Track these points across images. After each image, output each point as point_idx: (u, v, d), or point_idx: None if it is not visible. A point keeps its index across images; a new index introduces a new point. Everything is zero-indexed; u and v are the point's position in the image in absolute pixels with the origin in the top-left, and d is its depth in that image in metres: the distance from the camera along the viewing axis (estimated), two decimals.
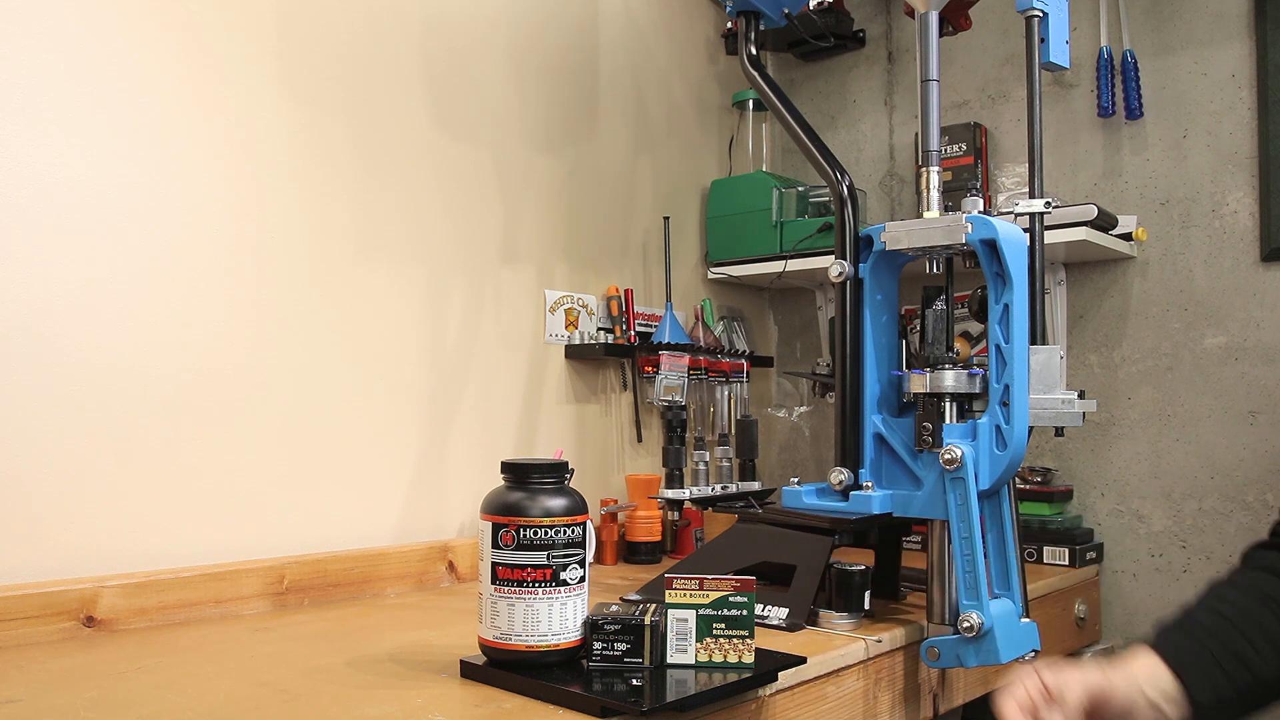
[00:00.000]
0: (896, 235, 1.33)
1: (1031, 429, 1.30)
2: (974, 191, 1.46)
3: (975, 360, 1.47)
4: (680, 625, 1.03)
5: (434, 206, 1.71)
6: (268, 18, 1.50)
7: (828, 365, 2.08)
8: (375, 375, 1.61)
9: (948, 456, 1.22)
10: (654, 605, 1.07)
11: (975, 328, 1.94)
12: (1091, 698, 0.96)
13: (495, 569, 1.00)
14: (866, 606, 1.31)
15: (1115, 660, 1.01)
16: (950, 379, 1.29)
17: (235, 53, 1.46)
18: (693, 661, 1.03)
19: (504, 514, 1.01)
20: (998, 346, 1.24)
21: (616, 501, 1.89)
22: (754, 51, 1.57)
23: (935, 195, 1.32)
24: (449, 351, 1.72)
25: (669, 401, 1.71)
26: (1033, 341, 1.35)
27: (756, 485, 1.71)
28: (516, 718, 0.91)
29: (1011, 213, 1.47)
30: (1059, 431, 1.49)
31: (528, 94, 1.87)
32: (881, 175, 2.26)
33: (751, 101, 2.23)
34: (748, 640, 1.03)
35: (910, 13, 1.52)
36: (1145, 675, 0.97)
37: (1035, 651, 1.27)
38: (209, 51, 1.43)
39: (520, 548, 0.99)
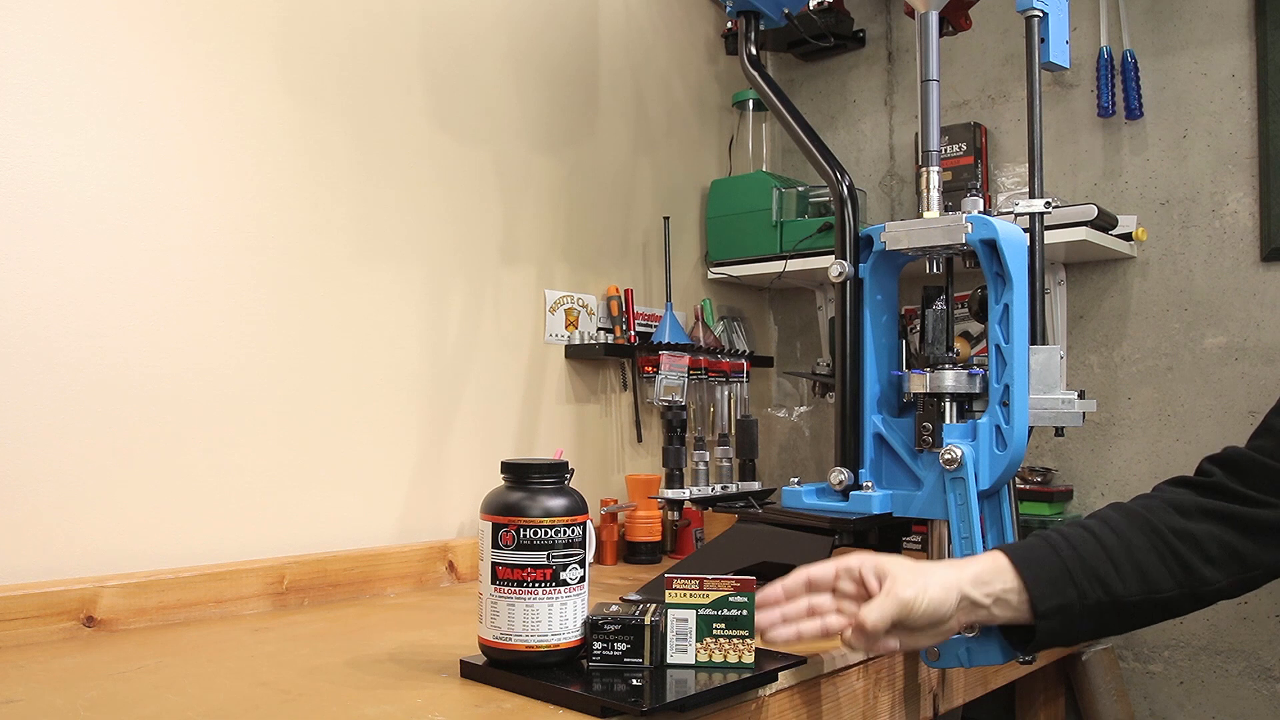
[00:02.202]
0: (896, 235, 1.33)
1: (1031, 429, 1.30)
2: (974, 191, 1.46)
3: (975, 360, 1.47)
4: (680, 625, 1.03)
5: (434, 206, 1.71)
6: (268, 17, 1.50)
7: (828, 365, 2.08)
8: (375, 375, 1.61)
9: (948, 456, 1.22)
10: (654, 605, 1.07)
11: (975, 328, 1.94)
12: (891, 617, 0.96)
13: (495, 569, 1.00)
14: None
15: (944, 563, 1.03)
16: (950, 379, 1.29)
17: (236, 53, 1.46)
18: (693, 661, 1.03)
19: (504, 514, 1.01)
20: (998, 346, 1.24)
21: (616, 501, 1.89)
22: (754, 51, 1.57)
23: (935, 195, 1.32)
24: (449, 351, 1.72)
25: (669, 401, 1.71)
26: (1033, 341, 1.35)
27: (756, 485, 1.71)
28: (516, 718, 0.91)
29: (1011, 213, 1.47)
30: (1059, 431, 1.49)
31: (528, 94, 1.87)
32: (881, 175, 2.26)
33: (751, 101, 2.23)
34: (748, 640, 1.03)
35: (910, 13, 1.52)
36: (976, 575, 0.99)
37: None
38: (209, 51, 1.43)
39: (520, 548, 0.99)
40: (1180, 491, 1.05)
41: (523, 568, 0.99)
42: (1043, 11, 1.44)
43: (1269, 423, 1.04)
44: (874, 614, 0.95)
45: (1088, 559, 0.99)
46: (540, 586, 0.99)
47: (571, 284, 1.94)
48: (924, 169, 1.33)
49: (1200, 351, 1.83)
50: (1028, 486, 1.91)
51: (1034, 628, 0.99)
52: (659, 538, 1.87)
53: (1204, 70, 1.84)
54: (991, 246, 1.25)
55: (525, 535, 0.99)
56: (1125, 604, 0.99)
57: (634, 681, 0.97)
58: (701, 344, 1.98)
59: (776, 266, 2.06)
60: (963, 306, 1.41)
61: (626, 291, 1.99)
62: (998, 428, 1.24)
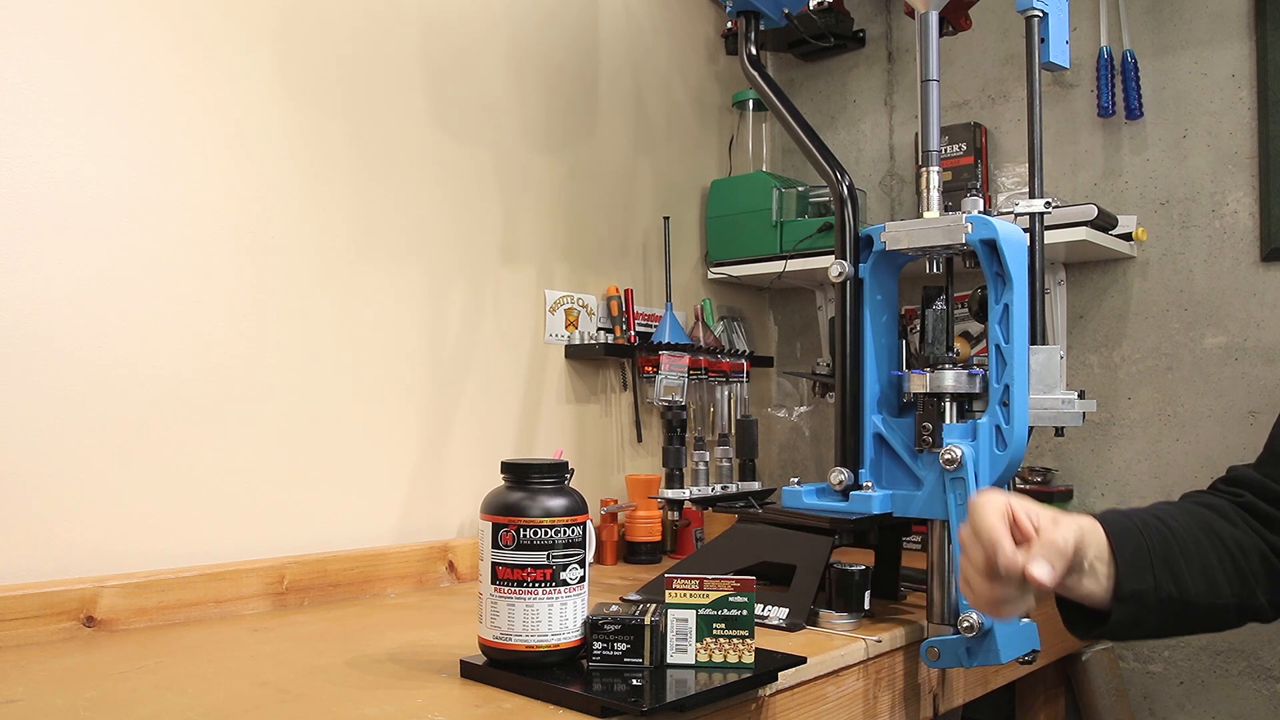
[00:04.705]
0: (896, 235, 1.33)
1: (1031, 429, 1.30)
2: (974, 191, 1.46)
3: (975, 360, 1.47)
4: (680, 625, 1.03)
5: (434, 206, 1.71)
6: (269, 17, 1.50)
7: (828, 365, 2.08)
8: (375, 375, 1.61)
9: (948, 456, 1.22)
10: (654, 605, 1.07)
11: (975, 328, 1.94)
12: (1069, 550, 0.91)
13: (495, 569, 1.00)
14: (866, 606, 1.31)
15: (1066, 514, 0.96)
16: (950, 379, 1.29)
17: (236, 53, 1.46)
18: (693, 661, 1.03)
19: (504, 514, 1.01)
20: (998, 346, 1.24)
21: (616, 501, 1.89)
22: (754, 51, 1.57)
23: (935, 195, 1.32)
24: (449, 351, 1.72)
25: (669, 401, 1.71)
26: (1033, 341, 1.35)
27: (756, 485, 1.71)
28: (516, 718, 0.91)
29: (1011, 213, 1.47)
30: (1059, 431, 1.49)
31: (528, 94, 1.87)
32: (881, 175, 2.26)
33: (751, 101, 2.23)
34: (748, 640, 1.03)
35: (910, 13, 1.52)
36: (1093, 542, 0.93)
37: (1035, 651, 1.27)
38: (210, 51, 1.43)
39: (520, 548, 0.99)
40: (1221, 502, 1.03)
41: (523, 568, 0.99)
42: (1043, 11, 1.44)
43: (1275, 449, 1.02)
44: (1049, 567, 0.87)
45: (1164, 549, 0.95)
46: (540, 586, 0.99)
47: (571, 284, 1.94)
48: (924, 169, 1.33)
49: (1200, 351, 1.83)
50: (1028, 486, 1.90)
51: (1106, 613, 0.93)
52: (659, 538, 1.87)
53: (1204, 70, 1.84)
54: (991, 246, 1.25)
55: (525, 535, 0.99)
56: (1190, 604, 0.95)
57: (634, 681, 0.97)
58: (701, 344, 1.98)
59: (776, 266, 2.06)
60: (963, 306, 1.41)
61: (626, 291, 1.99)
62: (998, 428, 1.24)
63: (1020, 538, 0.89)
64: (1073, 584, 0.93)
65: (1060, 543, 0.88)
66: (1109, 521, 0.96)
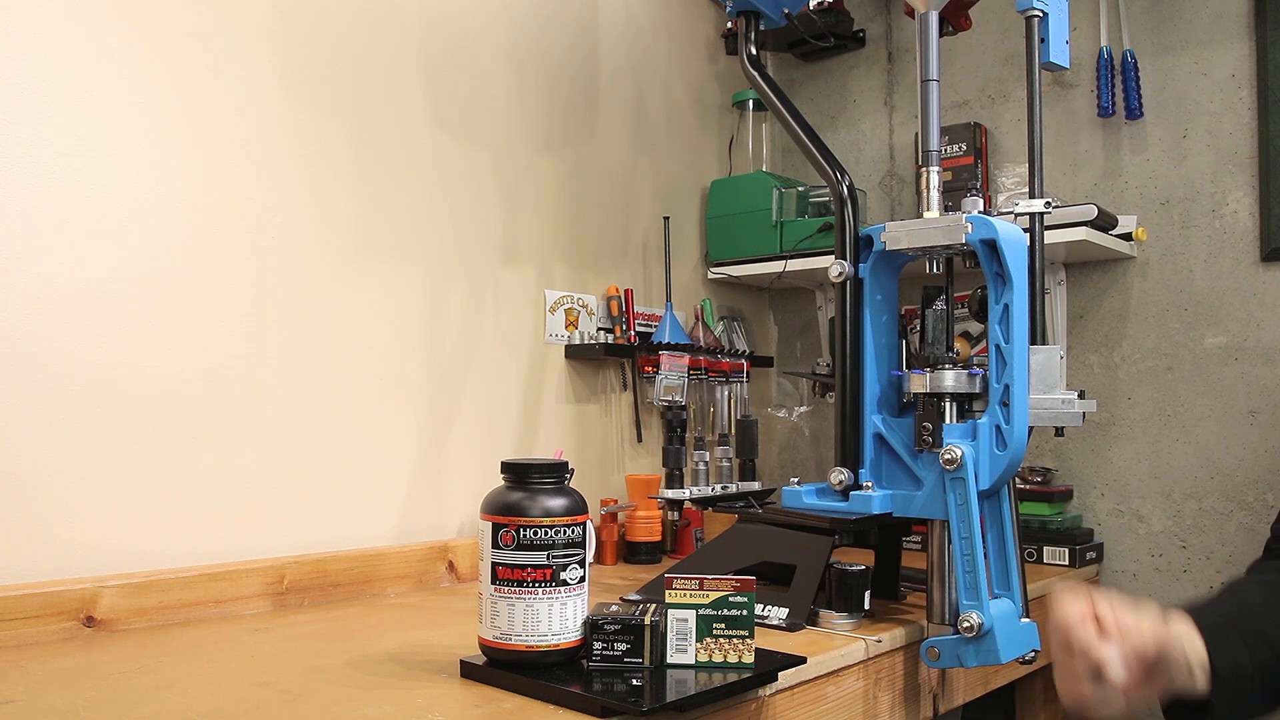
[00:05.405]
0: (896, 235, 1.33)
1: (1031, 429, 1.30)
2: (974, 191, 1.46)
3: (975, 360, 1.47)
4: (680, 625, 1.03)
5: (434, 207, 1.71)
6: (269, 18, 1.50)
7: (828, 365, 2.08)
8: (375, 375, 1.61)
9: (948, 456, 1.22)
10: (654, 605, 1.07)
11: (975, 328, 1.94)
12: (1150, 646, 0.91)
13: (495, 569, 1.00)
14: (866, 606, 1.31)
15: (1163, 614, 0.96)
16: (950, 379, 1.29)
17: (236, 53, 1.46)
18: (693, 661, 1.03)
19: (504, 514, 1.01)
20: (998, 346, 1.24)
21: (616, 501, 1.89)
22: (754, 51, 1.57)
23: (935, 195, 1.32)
24: (449, 351, 1.72)
25: (669, 401, 1.71)
26: (1033, 341, 1.35)
27: (756, 485, 1.71)
28: (516, 718, 0.91)
29: (1011, 213, 1.47)
30: (1059, 431, 1.49)
31: (528, 94, 1.87)
32: (881, 175, 2.26)
33: (751, 101, 2.23)
34: (748, 640, 1.03)
35: (910, 13, 1.52)
36: (1186, 635, 0.93)
37: (1035, 651, 1.27)
38: (210, 51, 1.43)
39: (520, 548, 0.99)
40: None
41: (523, 568, 0.99)
42: (1043, 11, 1.44)
43: None
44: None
45: (1244, 618, 0.94)
46: (540, 586, 0.99)
47: (571, 284, 1.94)
48: (924, 169, 1.33)
49: (1200, 351, 1.83)
50: (1028, 486, 1.91)
51: (1208, 702, 0.92)
52: (659, 538, 1.87)
53: (1204, 70, 1.84)
54: (991, 246, 1.25)
55: (525, 535, 0.99)
56: None
57: (634, 681, 0.97)
58: (701, 344, 1.98)
59: (776, 266, 2.06)
60: (963, 306, 1.41)
61: (626, 291, 1.99)
62: (998, 428, 1.24)
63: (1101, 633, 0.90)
64: (1181, 683, 0.92)
65: (1140, 645, 0.88)
66: (1196, 614, 0.95)
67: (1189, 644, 0.93)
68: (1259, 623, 0.94)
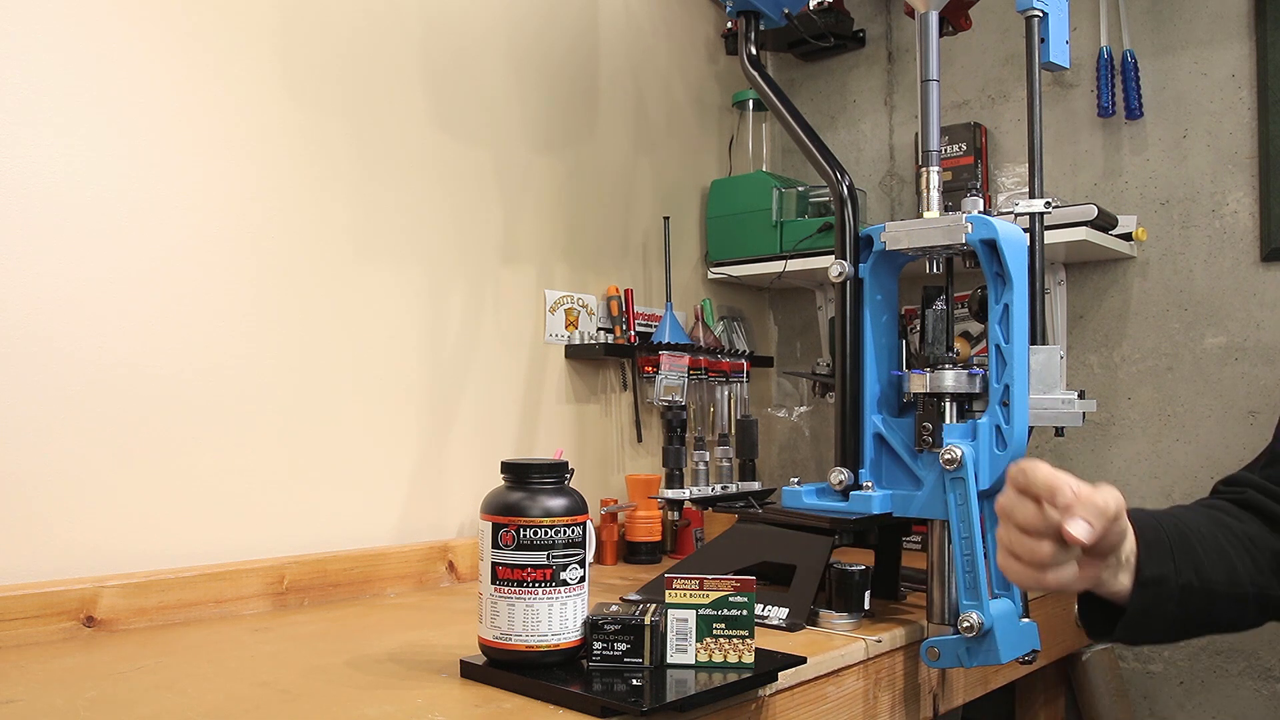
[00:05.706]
0: (896, 235, 1.33)
1: (1031, 429, 1.30)
2: (974, 191, 1.46)
3: (975, 360, 1.47)
4: (680, 625, 1.03)
5: (434, 206, 1.71)
6: (269, 17, 1.50)
7: (828, 365, 2.08)
8: (375, 375, 1.61)
9: (948, 456, 1.22)
10: (654, 605, 1.07)
11: (975, 328, 1.94)
12: (1113, 507, 0.86)
13: (495, 569, 1.00)
14: (866, 606, 1.31)
15: None
16: (950, 379, 1.29)
17: (236, 53, 1.46)
18: (693, 661, 1.03)
19: (504, 514, 1.01)
20: (998, 346, 1.24)
21: (616, 501, 1.89)
22: (754, 51, 1.57)
23: (935, 195, 1.32)
24: (449, 351, 1.72)
25: (669, 401, 1.71)
26: (1033, 341, 1.35)
27: (756, 485, 1.71)
28: (516, 718, 0.91)
29: (1011, 213, 1.47)
30: (1059, 431, 1.49)
31: (528, 94, 1.87)
32: (881, 175, 2.26)
33: (751, 101, 2.23)
34: (748, 640, 1.03)
35: (910, 13, 1.52)
36: (1127, 530, 0.91)
37: (1035, 651, 1.27)
38: (210, 51, 1.43)
39: (520, 548, 0.99)
40: (1225, 503, 1.02)
41: (523, 568, 0.99)
42: (1043, 11, 1.44)
43: (1276, 451, 1.03)
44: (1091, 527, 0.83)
45: (1181, 539, 0.93)
46: (540, 586, 0.99)
47: (571, 284, 1.94)
48: (924, 169, 1.33)
49: (1200, 351, 1.83)
50: None
51: (1120, 609, 0.91)
52: (659, 538, 1.87)
53: (1204, 70, 1.84)
54: (991, 246, 1.25)
55: (525, 535, 0.99)
56: (1210, 593, 0.92)
57: (634, 681, 0.97)
58: (701, 344, 1.98)
59: (776, 266, 2.06)
60: (963, 306, 1.41)
61: (626, 291, 1.99)
62: (998, 428, 1.24)
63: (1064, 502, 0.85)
64: (1108, 578, 0.90)
65: (1101, 503, 0.85)
66: (1135, 517, 0.94)
67: (1127, 539, 0.91)
68: (1192, 548, 0.93)
